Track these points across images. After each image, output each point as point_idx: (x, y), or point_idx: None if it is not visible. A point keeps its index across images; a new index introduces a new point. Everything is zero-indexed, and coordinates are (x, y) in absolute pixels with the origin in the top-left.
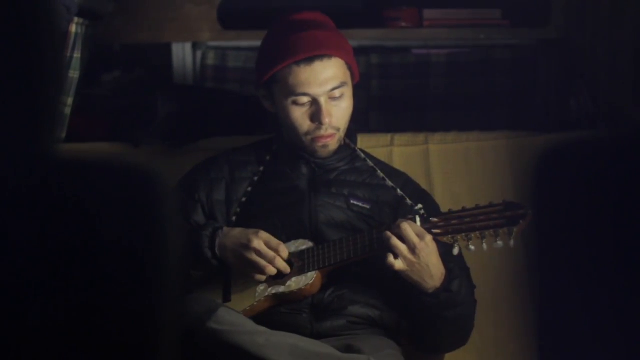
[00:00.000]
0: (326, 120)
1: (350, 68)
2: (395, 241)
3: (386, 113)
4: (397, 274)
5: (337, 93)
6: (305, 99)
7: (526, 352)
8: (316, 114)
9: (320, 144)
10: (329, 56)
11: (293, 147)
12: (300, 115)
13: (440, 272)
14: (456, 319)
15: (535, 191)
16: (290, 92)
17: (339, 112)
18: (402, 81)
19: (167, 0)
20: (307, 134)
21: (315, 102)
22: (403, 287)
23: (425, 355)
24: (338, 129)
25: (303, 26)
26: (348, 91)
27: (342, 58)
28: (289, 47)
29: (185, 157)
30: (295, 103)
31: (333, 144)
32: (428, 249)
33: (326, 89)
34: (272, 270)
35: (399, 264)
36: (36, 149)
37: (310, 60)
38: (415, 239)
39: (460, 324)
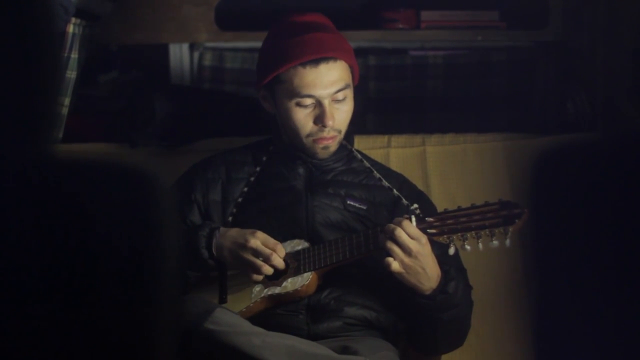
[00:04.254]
0: (329, 122)
1: (352, 70)
2: (391, 244)
3: (383, 114)
4: (394, 276)
5: (340, 95)
6: (309, 101)
7: (523, 353)
8: (320, 116)
9: (321, 146)
10: (334, 58)
11: (291, 148)
12: (303, 117)
13: (437, 273)
14: (452, 320)
15: (532, 193)
16: (295, 93)
17: (341, 115)
18: (400, 82)
19: (164, 1)
20: (309, 135)
21: (319, 104)
22: (400, 288)
23: (423, 356)
24: (339, 131)
25: (307, 28)
26: (350, 93)
27: (345, 60)
28: (295, 48)
29: (182, 157)
30: (298, 104)
31: (334, 145)
32: (424, 250)
33: (331, 91)
34: (268, 270)
35: (395, 265)
36: (33, 149)
37: (316, 62)
38: (411, 242)
39: (456, 325)
